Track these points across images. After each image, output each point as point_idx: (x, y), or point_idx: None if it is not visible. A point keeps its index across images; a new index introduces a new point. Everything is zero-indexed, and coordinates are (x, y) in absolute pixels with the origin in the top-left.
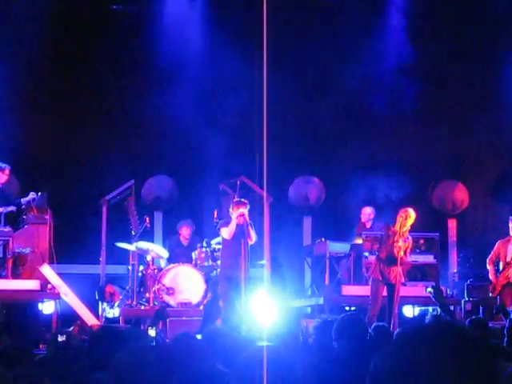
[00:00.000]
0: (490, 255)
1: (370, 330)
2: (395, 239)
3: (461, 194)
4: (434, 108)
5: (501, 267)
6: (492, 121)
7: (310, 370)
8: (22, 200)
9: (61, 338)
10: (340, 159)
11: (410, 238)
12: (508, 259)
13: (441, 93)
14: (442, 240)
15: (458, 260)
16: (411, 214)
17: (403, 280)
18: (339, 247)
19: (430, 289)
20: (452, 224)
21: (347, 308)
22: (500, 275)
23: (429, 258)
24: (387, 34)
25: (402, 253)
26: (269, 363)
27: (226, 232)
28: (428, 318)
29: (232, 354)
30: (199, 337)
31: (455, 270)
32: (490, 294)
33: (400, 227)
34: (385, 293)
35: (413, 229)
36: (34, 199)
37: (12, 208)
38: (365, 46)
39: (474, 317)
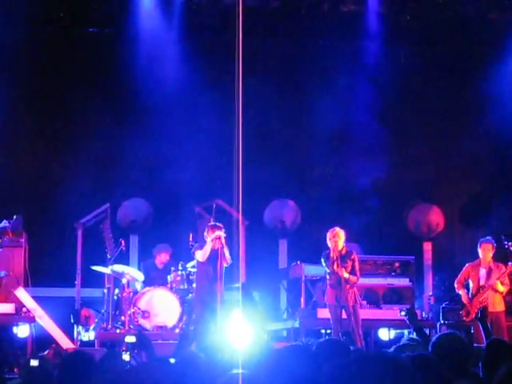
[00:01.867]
0: (458, 278)
1: None
2: (335, 262)
3: (436, 217)
4: (409, 130)
5: (471, 291)
6: (466, 144)
7: None
8: None
9: (34, 363)
10: (315, 182)
11: (353, 253)
12: (481, 283)
13: (415, 115)
14: (418, 263)
15: (433, 283)
16: (339, 233)
17: (358, 301)
18: (315, 270)
19: (403, 312)
20: (427, 247)
21: (323, 331)
22: (474, 299)
23: (404, 281)
24: (362, 58)
25: (346, 274)
26: None
27: (200, 255)
28: (403, 340)
29: (207, 380)
30: (173, 361)
31: (431, 293)
32: (464, 318)
33: (334, 250)
34: (344, 316)
35: (388, 251)
36: (9, 222)
37: None
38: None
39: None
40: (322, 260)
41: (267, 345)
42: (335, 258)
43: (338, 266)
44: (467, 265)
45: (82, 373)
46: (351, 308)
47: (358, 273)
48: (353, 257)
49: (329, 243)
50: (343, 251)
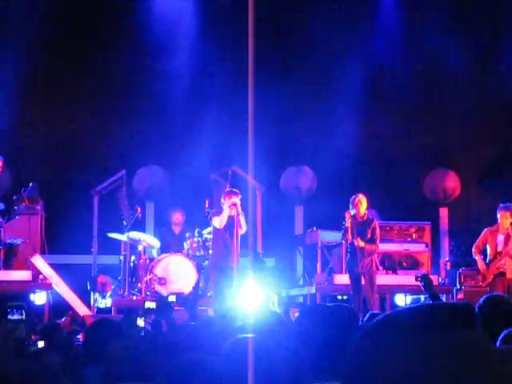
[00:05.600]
0: (476, 243)
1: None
2: (349, 232)
3: (452, 183)
4: (423, 97)
5: (489, 256)
6: (482, 109)
7: (293, 357)
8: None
9: (41, 344)
10: (331, 148)
11: (374, 221)
12: (499, 249)
13: (431, 81)
14: (434, 229)
15: (449, 248)
16: (362, 200)
17: (376, 268)
18: (331, 236)
19: (419, 278)
20: (444, 212)
21: (339, 297)
22: (491, 265)
23: (420, 247)
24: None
25: (361, 243)
26: (255, 352)
27: (217, 221)
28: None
29: (222, 343)
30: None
31: (447, 259)
32: (480, 283)
33: (352, 218)
34: (363, 281)
35: (404, 218)
36: (25, 190)
37: (1, 205)
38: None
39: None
40: (343, 231)
41: (273, 310)
42: (350, 227)
43: (352, 236)
44: (485, 230)
45: (105, 339)
46: (368, 275)
47: (377, 240)
48: (373, 224)
49: (351, 210)
50: (364, 217)
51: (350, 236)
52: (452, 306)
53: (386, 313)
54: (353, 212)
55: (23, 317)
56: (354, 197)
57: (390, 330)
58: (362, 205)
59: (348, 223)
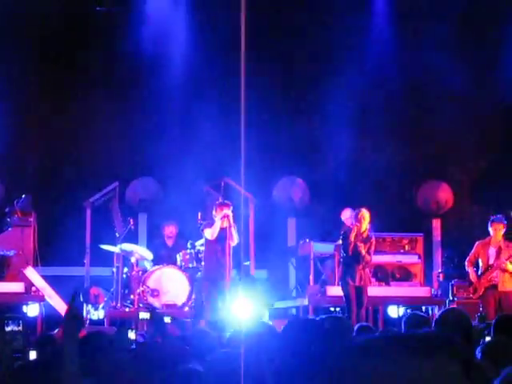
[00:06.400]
0: (469, 257)
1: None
2: (357, 240)
3: (445, 194)
4: (419, 107)
5: (480, 269)
6: (475, 120)
7: (282, 368)
8: None
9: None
10: (324, 160)
11: (372, 237)
12: (491, 262)
13: (425, 93)
14: (427, 240)
15: (442, 260)
16: (365, 215)
17: (369, 282)
18: (323, 248)
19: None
20: (436, 224)
21: (332, 309)
22: (482, 277)
23: (413, 259)
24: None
25: (363, 250)
26: (246, 363)
27: (208, 233)
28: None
29: (214, 354)
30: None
31: (440, 270)
32: (471, 295)
33: (355, 231)
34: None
35: (397, 229)
36: (17, 201)
37: None
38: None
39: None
40: (341, 238)
41: (263, 321)
42: (354, 239)
43: (354, 247)
44: (477, 243)
45: (99, 353)
46: (361, 289)
47: (371, 255)
48: (371, 241)
49: (354, 224)
50: (364, 234)
51: (351, 249)
52: (423, 335)
53: (365, 338)
54: (356, 226)
55: (20, 328)
56: (357, 211)
57: (368, 354)
58: (365, 220)
59: (352, 237)
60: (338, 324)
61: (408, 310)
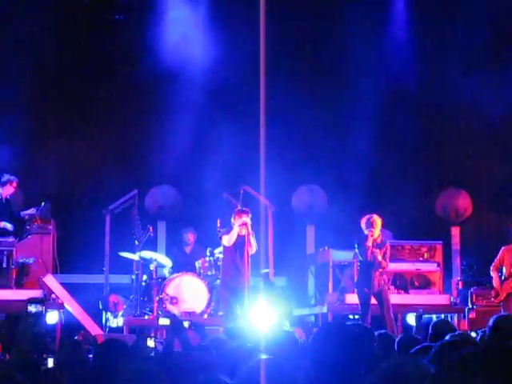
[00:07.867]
0: (495, 262)
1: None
2: (370, 250)
3: (464, 202)
4: (437, 114)
5: (504, 274)
6: (495, 128)
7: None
8: (22, 213)
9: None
10: (343, 167)
11: (387, 243)
12: None
13: (443, 99)
14: (446, 248)
15: (461, 268)
16: (377, 221)
17: (387, 287)
18: (342, 255)
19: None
20: (455, 232)
21: (351, 316)
22: (505, 283)
23: (432, 266)
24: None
25: (379, 256)
26: (269, 376)
27: (226, 240)
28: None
29: (233, 365)
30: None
31: (459, 278)
32: (492, 299)
33: (369, 238)
34: (373, 301)
35: (416, 237)
36: (37, 209)
37: (10, 226)
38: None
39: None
40: (356, 246)
41: (286, 331)
42: (370, 245)
43: (372, 253)
44: (503, 248)
45: (115, 360)
46: (381, 294)
47: (387, 260)
48: (385, 246)
49: (365, 231)
50: (378, 240)
51: (369, 253)
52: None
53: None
54: (367, 233)
55: (43, 309)
56: (368, 217)
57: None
58: (376, 226)
59: (370, 242)
60: (364, 331)
61: (424, 317)
